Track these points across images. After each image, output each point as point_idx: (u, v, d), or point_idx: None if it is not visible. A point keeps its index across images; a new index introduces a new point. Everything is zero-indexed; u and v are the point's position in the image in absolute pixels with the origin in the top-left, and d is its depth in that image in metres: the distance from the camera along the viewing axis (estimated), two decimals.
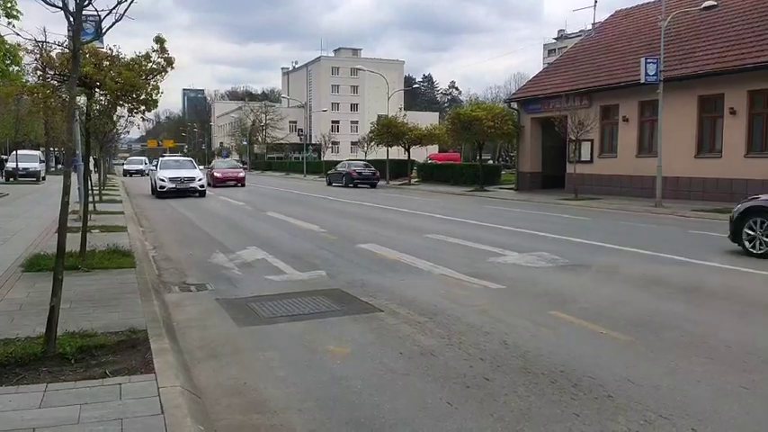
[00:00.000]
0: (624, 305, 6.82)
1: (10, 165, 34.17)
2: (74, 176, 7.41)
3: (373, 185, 35.44)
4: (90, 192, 12.91)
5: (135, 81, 7.80)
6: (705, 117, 22.72)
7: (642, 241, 12.01)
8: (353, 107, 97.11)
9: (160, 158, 29.53)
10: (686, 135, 22.56)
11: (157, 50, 7.89)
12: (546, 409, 3.97)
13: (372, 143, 47.23)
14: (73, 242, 7.77)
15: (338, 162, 43.86)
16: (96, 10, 4.81)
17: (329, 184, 37.95)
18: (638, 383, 4.38)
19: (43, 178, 35.76)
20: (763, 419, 3.85)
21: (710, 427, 3.70)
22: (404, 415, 3.92)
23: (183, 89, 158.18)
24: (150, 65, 8.01)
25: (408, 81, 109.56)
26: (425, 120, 61.47)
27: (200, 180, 25.70)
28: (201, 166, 33.59)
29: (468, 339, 5.47)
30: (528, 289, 7.64)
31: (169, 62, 7.98)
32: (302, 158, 59.09)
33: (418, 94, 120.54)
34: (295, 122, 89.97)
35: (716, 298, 7.24)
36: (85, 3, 4.56)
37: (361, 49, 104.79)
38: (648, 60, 21.13)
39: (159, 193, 24.93)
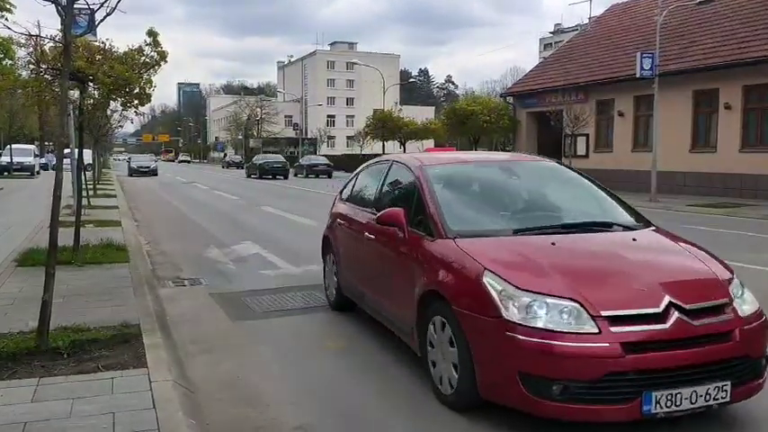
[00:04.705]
0: None
1: (4, 159, 34.06)
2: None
3: None
4: (84, 187, 12.86)
5: (128, 75, 7.75)
6: (700, 112, 22.76)
7: None
8: (349, 101, 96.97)
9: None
10: (681, 130, 22.60)
11: (150, 44, 7.84)
12: None
13: (368, 138, 47.27)
14: (67, 237, 7.75)
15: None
16: (88, 3, 4.79)
17: None
18: None
19: (38, 173, 35.65)
20: None
21: None
22: (398, 407, 3.94)
23: (178, 83, 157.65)
24: (143, 58, 7.96)
25: (404, 75, 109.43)
26: (421, 114, 61.47)
27: None
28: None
29: None
30: None
31: (162, 56, 7.94)
32: (298, 153, 59.02)
33: (414, 88, 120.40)
34: (291, 117, 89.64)
35: None
36: None
37: (356, 43, 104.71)
38: (644, 55, 21.13)
39: None
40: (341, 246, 6.13)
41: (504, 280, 3.56)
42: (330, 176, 40.37)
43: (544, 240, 4.06)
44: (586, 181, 5.18)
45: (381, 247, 4.98)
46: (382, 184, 5.55)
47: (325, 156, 53.80)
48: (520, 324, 3.37)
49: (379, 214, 4.83)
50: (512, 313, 3.42)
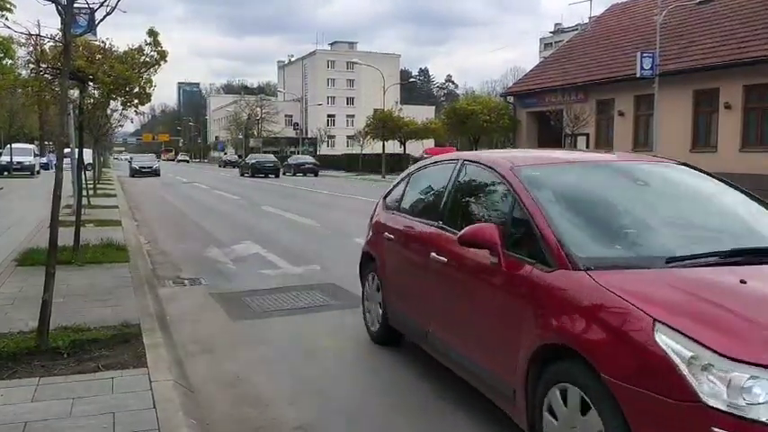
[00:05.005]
0: None
1: (4, 158, 34.04)
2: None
3: None
4: (84, 186, 12.85)
5: (128, 74, 7.75)
6: (700, 112, 22.78)
7: None
8: (349, 101, 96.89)
9: None
10: (681, 129, 22.61)
11: (151, 43, 7.84)
12: None
13: (368, 137, 47.25)
14: (67, 237, 7.74)
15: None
16: (88, 3, 4.79)
17: None
18: None
19: (38, 172, 35.64)
20: None
21: None
22: (397, 406, 3.94)
23: (179, 83, 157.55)
24: (143, 58, 7.96)
25: (405, 75, 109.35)
26: (421, 114, 61.41)
27: None
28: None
29: None
30: None
31: (162, 55, 7.93)
32: (298, 152, 59.19)
33: (414, 88, 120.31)
34: (291, 116, 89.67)
35: None
36: None
37: (357, 43, 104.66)
38: (644, 55, 21.17)
39: None
40: (390, 266, 5.03)
41: (695, 341, 2.33)
42: (316, 175, 44.04)
43: (725, 276, 2.82)
44: (731, 187, 4.00)
45: (459, 274, 3.85)
46: (451, 191, 4.35)
47: (325, 155, 54.46)
48: (731, 414, 2.17)
49: (461, 232, 3.59)
50: (714, 395, 2.22)
